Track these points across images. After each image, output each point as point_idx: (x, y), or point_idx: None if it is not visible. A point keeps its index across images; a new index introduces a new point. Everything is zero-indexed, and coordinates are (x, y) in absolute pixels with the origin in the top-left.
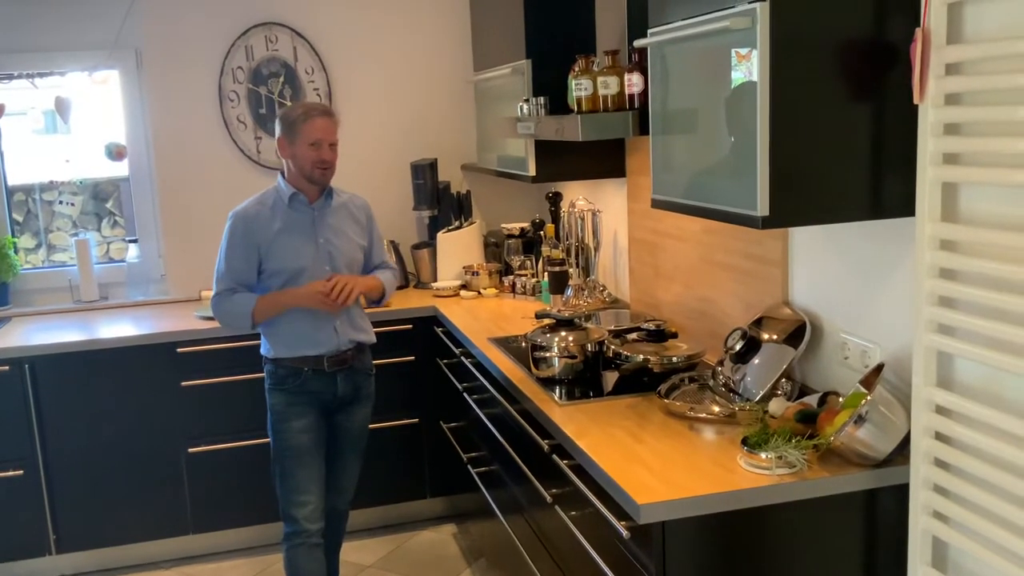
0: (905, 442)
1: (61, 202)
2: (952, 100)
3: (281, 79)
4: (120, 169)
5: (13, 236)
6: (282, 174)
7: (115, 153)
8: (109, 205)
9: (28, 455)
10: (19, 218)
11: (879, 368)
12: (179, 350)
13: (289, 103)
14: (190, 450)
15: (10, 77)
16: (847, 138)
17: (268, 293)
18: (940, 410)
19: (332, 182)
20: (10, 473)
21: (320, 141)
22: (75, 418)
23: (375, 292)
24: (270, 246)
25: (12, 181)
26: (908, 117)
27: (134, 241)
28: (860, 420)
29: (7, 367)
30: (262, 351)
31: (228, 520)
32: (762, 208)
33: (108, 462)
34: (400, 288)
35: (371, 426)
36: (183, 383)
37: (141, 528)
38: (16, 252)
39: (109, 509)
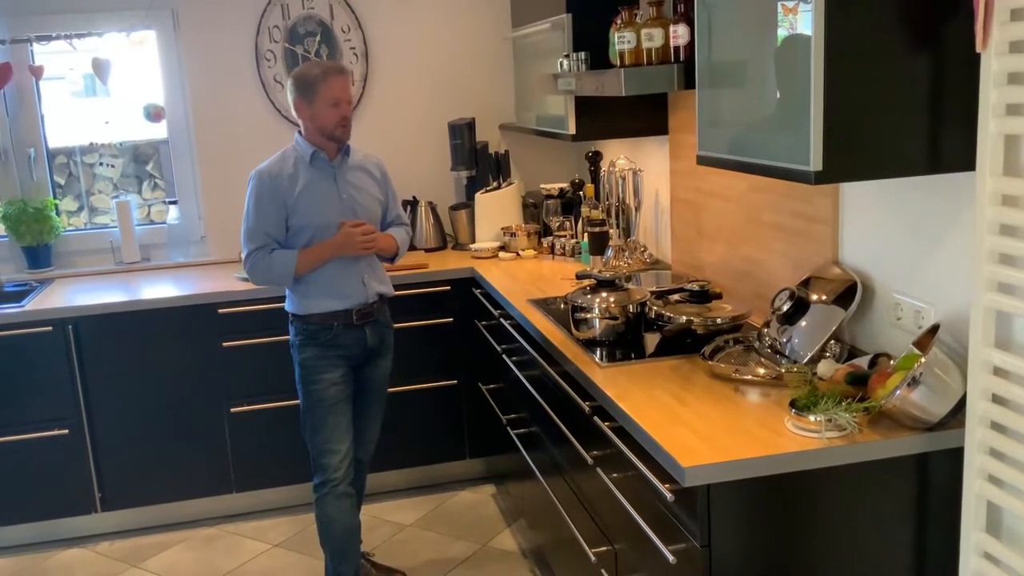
0: (960, 405)
1: (102, 164)
2: (1017, 48)
3: (317, 38)
4: (159, 131)
5: (55, 198)
6: (299, 133)
7: (153, 114)
8: (149, 167)
9: (73, 415)
10: (60, 181)
11: (934, 329)
12: (220, 311)
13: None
14: (232, 410)
15: (48, 38)
16: (904, 89)
17: (307, 247)
18: (998, 372)
19: (353, 142)
20: (55, 432)
21: (340, 99)
22: (118, 378)
23: (389, 251)
24: (296, 202)
25: (53, 144)
26: (969, 66)
27: (174, 203)
28: (914, 382)
29: (51, 328)
30: (288, 308)
31: (270, 479)
32: (815, 163)
33: (151, 421)
34: (437, 250)
35: (410, 387)
36: (224, 344)
37: (184, 487)
38: (58, 214)
39: (153, 468)
